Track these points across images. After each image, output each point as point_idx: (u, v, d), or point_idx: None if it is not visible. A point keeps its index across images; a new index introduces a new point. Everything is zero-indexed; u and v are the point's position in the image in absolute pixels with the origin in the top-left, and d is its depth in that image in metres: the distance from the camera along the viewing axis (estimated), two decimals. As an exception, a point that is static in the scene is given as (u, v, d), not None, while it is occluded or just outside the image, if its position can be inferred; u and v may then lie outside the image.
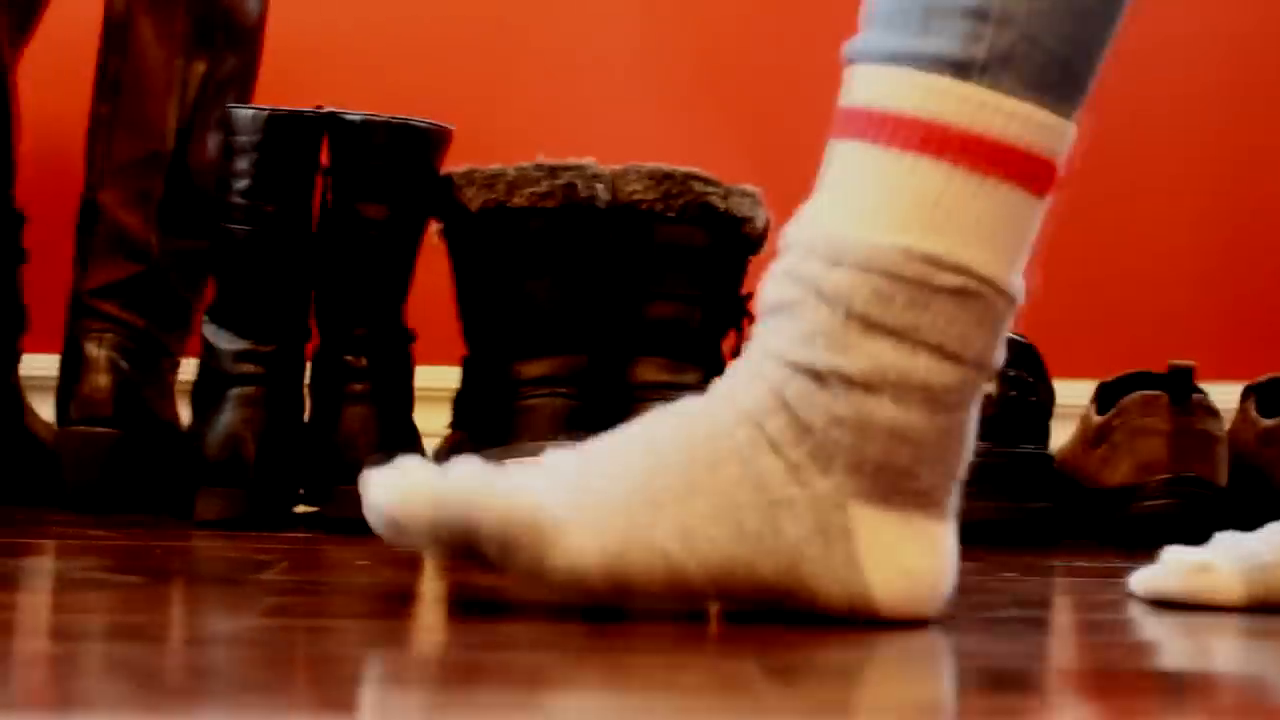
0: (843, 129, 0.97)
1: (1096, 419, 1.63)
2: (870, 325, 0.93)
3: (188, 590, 1.06)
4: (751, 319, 1.55)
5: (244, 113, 1.46)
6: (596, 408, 1.51)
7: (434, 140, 1.50)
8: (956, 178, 0.93)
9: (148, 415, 1.55)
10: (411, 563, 1.20)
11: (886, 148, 0.94)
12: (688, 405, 0.97)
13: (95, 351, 1.54)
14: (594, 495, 0.93)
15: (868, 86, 0.96)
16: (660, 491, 0.93)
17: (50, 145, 1.73)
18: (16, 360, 1.62)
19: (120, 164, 1.57)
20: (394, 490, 0.93)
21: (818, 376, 0.93)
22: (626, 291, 1.53)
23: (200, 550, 1.26)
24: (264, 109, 1.46)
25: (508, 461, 1.00)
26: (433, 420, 1.58)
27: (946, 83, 0.93)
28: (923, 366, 0.93)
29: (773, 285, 0.97)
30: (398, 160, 1.47)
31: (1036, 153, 0.95)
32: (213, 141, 1.60)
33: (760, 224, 1.56)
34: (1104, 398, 1.66)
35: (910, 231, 0.93)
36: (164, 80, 1.57)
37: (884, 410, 0.93)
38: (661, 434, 0.96)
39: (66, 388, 1.54)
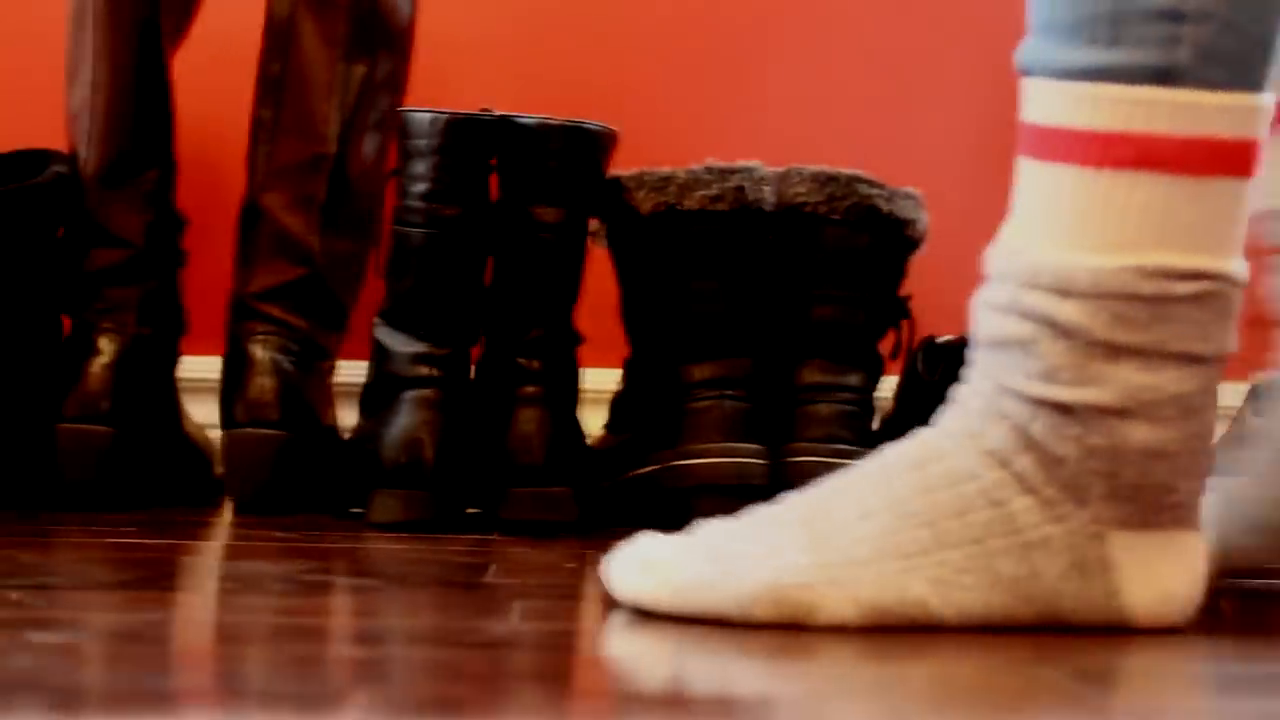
0: (1039, 149, 0.95)
1: (1253, 420, 1.63)
2: (1115, 350, 0.92)
3: (428, 593, 1.07)
4: (911, 319, 1.58)
5: (421, 116, 1.47)
6: (762, 410, 1.52)
7: (604, 143, 1.50)
8: (1177, 186, 0.92)
9: (311, 417, 1.56)
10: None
11: (1099, 168, 0.93)
12: (918, 448, 0.96)
13: (260, 354, 1.55)
14: (840, 553, 0.93)
15: (1062, 104, 0.94)
16: (908, 544, 0.93)
17: (201, 147, 1.74)
18: (176, 362, 1.62)
19: (283, 167, 1.58)
20: (637, 590, 0.96)
21: (1066, 410, 0.93)
22: (790, 293, 1.54)
23: (399, 553, 1.26)
24: (442, 112, 1.47)
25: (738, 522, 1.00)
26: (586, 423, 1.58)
27: (1153, 93, 0.92)
28: (1172, 379, 0.93)
29: (992, 320, 0.96)
30: (571, 163, 1.47)
31: (1247, 138, 0.94)
32: (370, 144, 1.61)
33: (921, 226, 1.57)
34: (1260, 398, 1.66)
35: (1140, 249, 0.92)
36: (326, 83, 1.58)
37: (1139, 433, 0.92)
38: (898, 481, 0.95)
39: (231, 390, 1.55)
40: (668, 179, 1.50)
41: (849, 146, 1.84)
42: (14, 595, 0.98)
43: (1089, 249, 0.93)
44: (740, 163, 1.51)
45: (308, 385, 1.57)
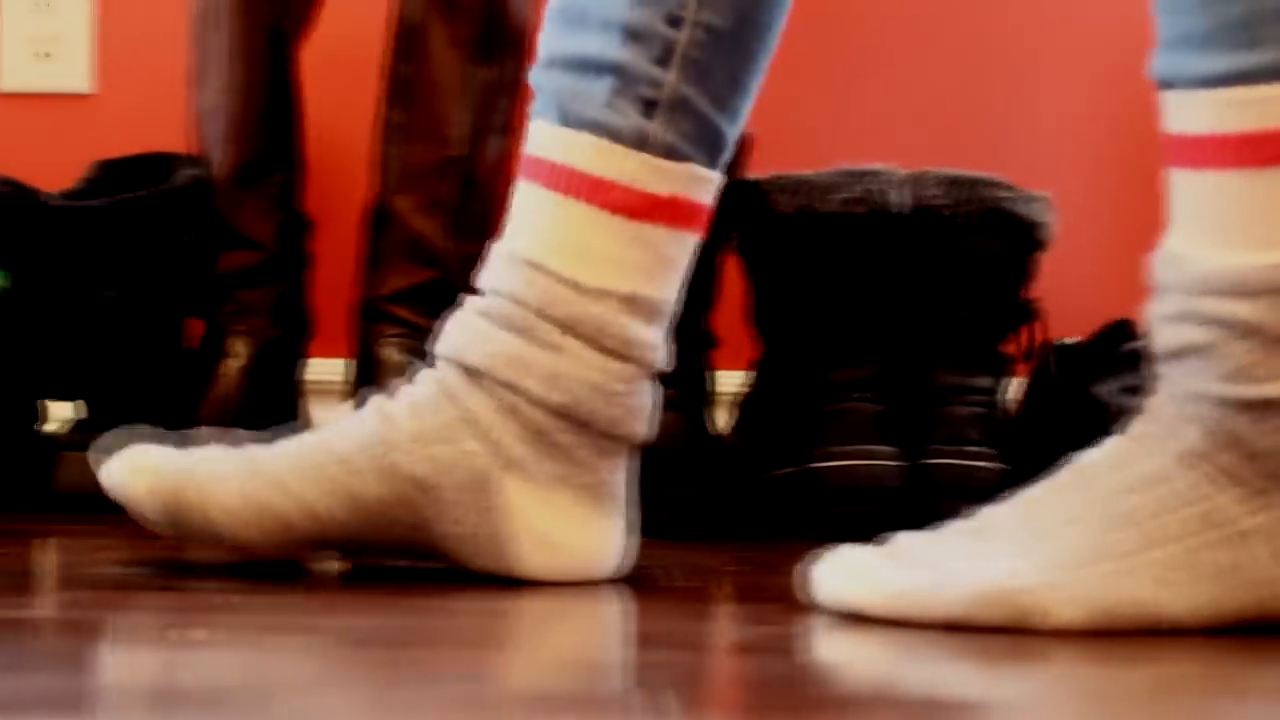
0: (1191, 159, 0.96)
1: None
2: None
3: (637, 599, 1.07)
4: (1038, 321, 1.58)
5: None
6: (898, 412, 1.52)
7: (742, 147, 1.50)
8: None
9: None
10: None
11: (1259, 169, 0.93)
12: (1112, 455, 0.97)
13: (392, 357, 1.55)
14: (1056, 557, 0.94)
15: (1211, 111, 0.94)
16: (1120, 544, 0.94)
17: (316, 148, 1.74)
18: (302, 365, 1.63)
19: (414, 170, 1.58)
20: (849, 596, 0.96)
21: (1265, 405, 0.93)
22: (924, 295, 1.54)
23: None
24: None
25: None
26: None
27: None
28: None
29: (1168, 331, 0.96)
30: (710, 167, 1.47)
31: None
32: (495, 147, 1.61)
33: (1051, 229, 1.57)
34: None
35: None
36: (456, 86, 1.58)
37: None
38: (1096, 485, 0.96)
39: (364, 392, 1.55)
40: (805, 182, 1.50)
41: (970, 148, 1.85)
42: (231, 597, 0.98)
43: (1258, 248, 0.93)
44: (874, 165, 1.52)
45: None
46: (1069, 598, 0.93)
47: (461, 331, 1.11)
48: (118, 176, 1.61)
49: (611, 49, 1.09)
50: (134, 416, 1.55)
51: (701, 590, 1.11)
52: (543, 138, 1.11)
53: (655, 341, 1.11)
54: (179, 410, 1.59)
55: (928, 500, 1.53)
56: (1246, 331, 0.93)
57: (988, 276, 1.54)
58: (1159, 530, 0.94)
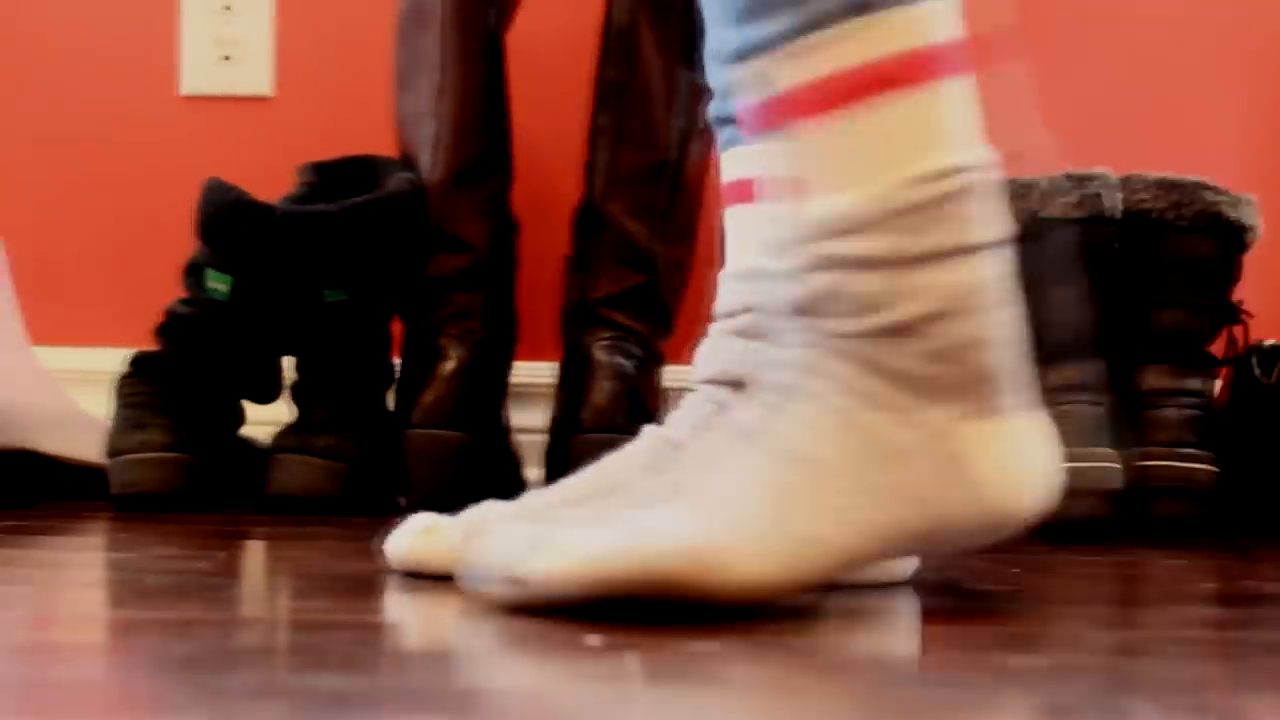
0: (772, 122, 0.98)
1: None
2: (912, 263, 0.95)
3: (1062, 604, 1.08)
4: (1244, 323, 1.59)
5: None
6: (1113, 414, 1.53)
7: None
8: (905, 100, 0.95)
9: (649, 421, 1.57)
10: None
11: (830, 111, 0.96)
12: (754, 412, 0.98)
13: (606, 359, 1.56)
14: (731, 510, 0.94)
15: (779, 72, 0.97)
16: (793, 484, 0.95)
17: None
18: (510, 367, 1.63)
19: (626, 174, 1.59)
20: (543, 575, 0.93)
21: (894, 330, 0.96)
22: (1134, 299, 1.55)
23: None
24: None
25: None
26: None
27: (854, 25, 0.95)
28: (973, 269, 0.96)
29: (793, 287, 0.98)
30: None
31: (951, 39, 0.97)
32: (698, 150, 1.62)
33: (1259, 231, 1.58)
34: None
35: (895, 166, 0.95)
36: (665, 91, 1.59)
37: (968, 327, 0.96)
38: (755, 438, 0.97)
39: (574, 395, 1.56)
40: (1030, 186, 1.51)
41: (1175, 150, 1.85)
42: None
43: (854, 183, 0.96)
44: (1093, 169, 1.53)
45: (645, 389, 1.58)
46: (749, 550, 0.93)
47: (717, 354, 1.13)
48: (331, 180, 1.62)
49: None
50: (345, 419, 1.56)
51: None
52: (739, 162, 1.15)
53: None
54: (394, 412, 1.60)
55: (1144, 502, 1.54)
56: (864, 264, 0.96)
57: (1198, 279, 1.55)
58: (824, 463, 0.95)
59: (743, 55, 0.98)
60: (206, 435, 1.56)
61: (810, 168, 0.97)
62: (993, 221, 0.97)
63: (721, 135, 1.17)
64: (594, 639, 0.85)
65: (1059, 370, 1.51)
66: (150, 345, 1.56)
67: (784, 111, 0.97)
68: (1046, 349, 1.52)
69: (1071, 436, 1.50)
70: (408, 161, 1.62)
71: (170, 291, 1.80)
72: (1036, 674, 0.81)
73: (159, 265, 1.85)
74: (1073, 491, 1.47)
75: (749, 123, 0.99)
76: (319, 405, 1.55)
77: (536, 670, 0.80)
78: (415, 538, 1.10)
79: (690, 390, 1.15)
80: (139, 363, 1.55)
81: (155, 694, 0.73)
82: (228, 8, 1.85)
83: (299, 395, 1.57)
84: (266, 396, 1.60)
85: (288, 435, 1.56)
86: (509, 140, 1.61)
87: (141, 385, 1.53)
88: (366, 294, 1.55)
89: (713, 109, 1.18)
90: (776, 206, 1.00)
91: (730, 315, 1.14)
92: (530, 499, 1.12)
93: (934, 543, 0.97)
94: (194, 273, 1.56)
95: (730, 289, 1.15)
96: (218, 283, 1.53)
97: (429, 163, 1.59)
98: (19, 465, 1.54)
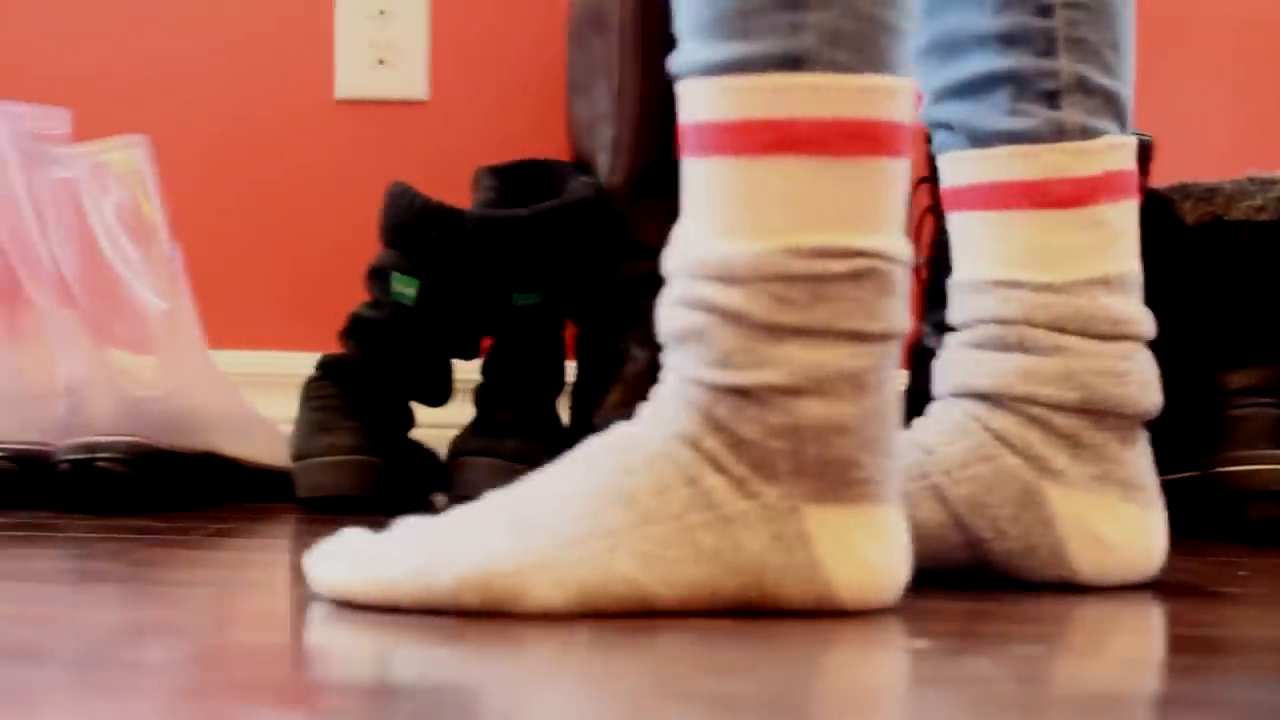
0: (694, 146, 0.98)
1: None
2: (780, 331, 0.94)
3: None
4: None
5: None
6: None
7: (1141, 153, 1.52)
8: (820, 167, 0.94)
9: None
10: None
11: (744, 156, 0.95)
12: (617, 437, 0.97)
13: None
14: (545, 535, 0.93)
15: (708, 99, 0.96)
16: (612, 522, 0.93)
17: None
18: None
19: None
20: (343, 583, 0.95)
21: (743, 393, 0.94)
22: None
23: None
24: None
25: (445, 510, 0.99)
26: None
27: (783, 79, 0.94)
28: (841, 355, 0.94)
29: (671, 315, 0.97)
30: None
31: (882, 118, 0.95)
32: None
33: None
34: None
35: (791, 231, 0.94)
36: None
37: (815, 409, 0.93)
38: (598, 465, 0.96)
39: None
40: (1214, 190, 1.52)
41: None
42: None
43: (745, 235, 0.94)
44: (1277, 173, 1.53)
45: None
46: (552, 579, 0.92)
47: (956, 368, 1.14)
48: (510, 185, 1.63)
49: (994, 60, 1.12)
50: (531, 422, 1.57)
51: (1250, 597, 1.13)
52: (960, 166, 1.15)
53: (1138, 312, 1.13)
54: (572, 415, 1.61)
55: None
56: (732, 317, 0.94)
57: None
58: (653, 509, 0.93)
59: (690, 71, 0.98)
60: (390, 438, 1.57)
61: (709, 203, 0.96)
62: (882, 315, 0.95)
63: (935, 138, 1.18)
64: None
65: (1240, 373, 1.52)
66: (328, 349, 1.58)
67: (706, 140, 0.96)
68: (1227, 352, 1.53)
69: (1251, 439, 1.51)
70: (583, 165, 1.63)
71: (327, 294, 1.82)
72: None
73: (315, 268, 1.86)
74: (1260, 494, 1.49)
75: (682, 135, 0.98)
76: (506, 408, 1.56)
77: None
78: None
79: None
80: (327, 366, 1.56)
81: (336, 692, 0.74)
82: (382, 12, 1.86)
83: (484, 398, 1.58)
84: (439, 399, 1.61)
85: (472, 438, 1.57)
86: (687, 143, 1.61)
87: (330, 388, 1.55)
88: (554, 298, 1.56)
89: (924, 112, 1.18)
90: (679, 228, 0.98)
91: (974, 323, 1.14)
92: None
93: (748, 606, 0.95)
94: (379, 277, 1.57)
95: (964, 302, 1.14)
96: (405, 287, 1.54)
97: (608, 166, 1.59)
98: (204, 468, 1.55)
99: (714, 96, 0.96)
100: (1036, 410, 1.11)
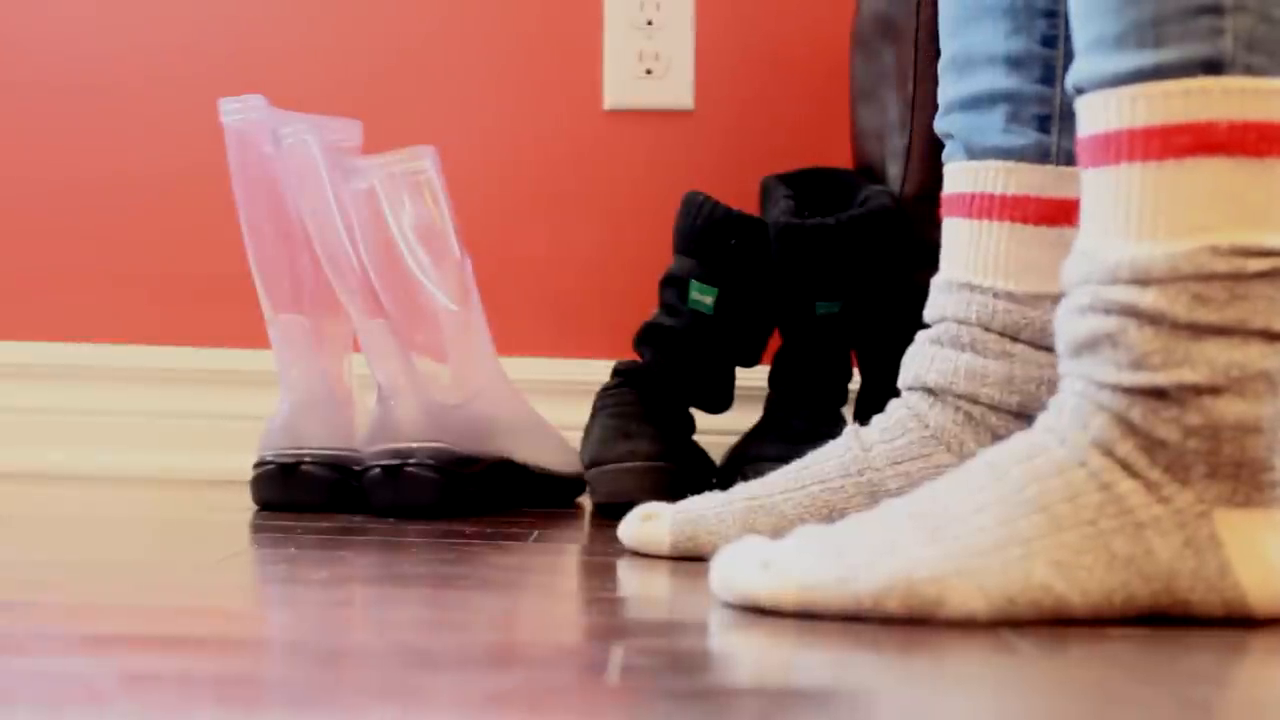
0: (1101, 157, 0.98)
1: None
2: (1199, 330, 0.94)
3: None
4: None
5: None
6: None
7: None
8: (1238, 168, 0.94)
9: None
10: None
11: (1162, 160, 0.95)
12: (1022, 446, 0.98)
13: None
14: (961, 544, 0.94)
15: (1119, 108, 0.97)
16: (1025, 530, 0.94)
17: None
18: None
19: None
20: (757, 588, 0.96)
21: (1161, 394, 0.94)
22: None
23: None
24: None
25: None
26: None
27: (1204, 82, 0.95)
28: (1256, 354, 0.94)
29: (1075, 322, 0.98)
30: None
31: None
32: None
33: None
34: None
35: (1211, 230, 0.94)
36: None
37: (1233, 408, 0.94)
38: (1003, 473, 0.97)
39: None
40: None
41: None
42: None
43: (1163, 236, 0.95)
44: None
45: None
46: (973, 586, 0.93)
47: (916, 360, 1.20)
48: (804, 193, 1.64)
49: (999, 80, 1.19)
50: (822, 430, 1.58)
51: None
52: (956, 176, 1.21)
53: None
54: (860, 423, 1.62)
55: None
56: (1149, 318, 0.95)
57: None
58: (1066, 515, 0.94)
59: (1097, 84, 0.98)
60: (679, 443, 1.58)
61: (1124, 210, 0.97)
62: None
63: (946, 147, 1.24)
64: None
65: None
66: (625, 355, 1.59)
67: (1117, 148, 0.97)
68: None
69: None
70: (870, 173, 1.63)
71: (597, 302, 1.83)
72: None
73: (581, 278, 1.88)
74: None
75: (1083, 149, 1.00)
76: (801, 415, 1.57)
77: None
78: (638, 523, 1.24)
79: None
80: (624, 373, 1.58)
81: (625, 699, 0.75)
82: (650, 22, 1.88)
83: (777, 406, 1.59)
84: (721, 406, 1.63)
85: (766, 444, 1.58)
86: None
87: (627, 395, 1.56)
88: (855, 306, 1.56)
89: (938, 122, 1.23)
90: (1080, 240, 1.00)
91: (939, 321, 1.21)
92: (740, 491, 1.21)
93: (1158, 612, 0.95)
94: (674, 285, 1.58)
95: (937, 299, 1.21)
96: (703, 294, 1.56)
97: (899, 175, 1.60)
98: (501, 474, 1.58)
99: (1125, 105, 0.97)
100: (976, 409, 1.18)
